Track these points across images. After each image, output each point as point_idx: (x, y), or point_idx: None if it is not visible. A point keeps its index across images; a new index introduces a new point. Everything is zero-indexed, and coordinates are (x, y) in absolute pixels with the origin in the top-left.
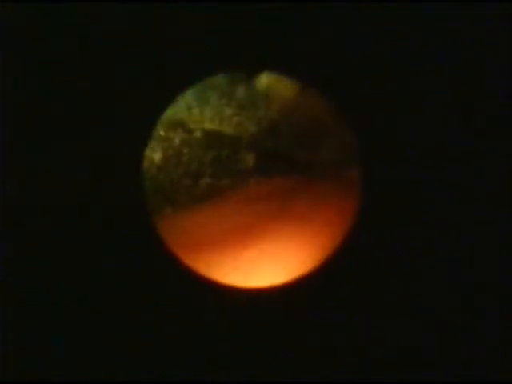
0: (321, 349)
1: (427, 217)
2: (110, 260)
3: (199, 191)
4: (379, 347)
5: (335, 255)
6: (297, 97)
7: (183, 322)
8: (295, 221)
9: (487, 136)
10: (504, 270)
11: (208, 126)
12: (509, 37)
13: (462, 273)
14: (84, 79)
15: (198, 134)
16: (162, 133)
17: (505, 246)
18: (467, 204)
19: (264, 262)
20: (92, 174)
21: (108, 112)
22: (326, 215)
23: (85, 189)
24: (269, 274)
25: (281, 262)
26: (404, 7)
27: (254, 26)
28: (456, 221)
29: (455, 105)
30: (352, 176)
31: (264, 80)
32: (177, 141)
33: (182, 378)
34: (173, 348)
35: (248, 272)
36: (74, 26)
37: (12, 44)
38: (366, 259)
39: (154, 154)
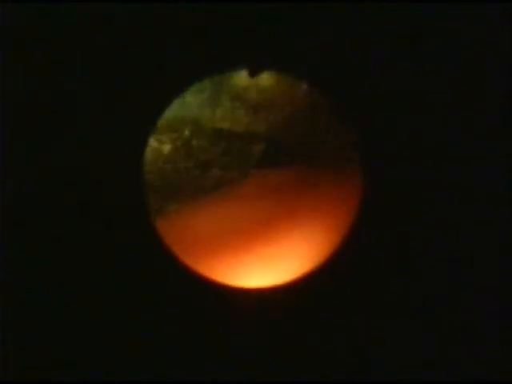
0: (321, 349)
1: (427, 217)
2: (110, 261)
3: (208, 182)
4: (379, 347)
5: (335, 255)
6: (299, 95)
7: (183, 322)
8: (297, 220)
9: (487, 136)
10: (504, 270)
11: (219, 124)
12: (509, 37)
13: (462, 273)
14: (84, 79)
15: (208, 128)
16: (170, 126)
17: (505, 246)
18: (467, 204)
19: (265, 261)
20: (92, 174)
21: (108, 112)
22: (326, 215)
23: (85, 189)
24: (270, 274)
25: (281, 262)
26: (404, 7)
27: (254, 26)
28: (456, 221)
29: (455, 105)
30: (353, 175)
31: (267, 79)
32: (187, 132)
33: (182, 378)
34: (173, 348)
35: (249, 271)
36: (74, 26)
37: (12, 44)
38: (367, 259)
39: (163, 146)
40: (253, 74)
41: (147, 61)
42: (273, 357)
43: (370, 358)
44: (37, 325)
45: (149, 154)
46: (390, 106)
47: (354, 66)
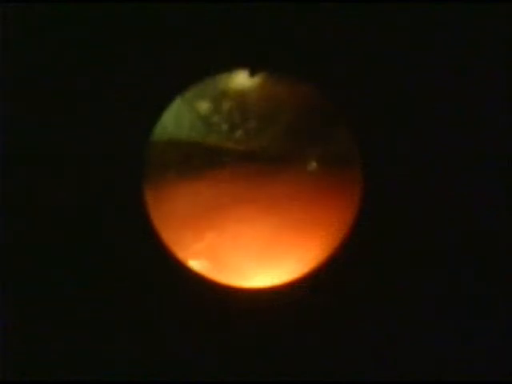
0: (320, 349)
1: (427, 216)
2: (110, 262)
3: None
4: (379, 347)
5: (335, 256)
6: (293, 95)
7: (183, 322)
8: (296, 220)
9: (487, 136)
10: (504, 270)
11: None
12: (509, 37)
13: (462, 272)
14: (84, 79)
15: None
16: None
17: (505, 247)
18: (467, 204)
19: (264, 262)
20: (92, 174)
21: (108, 112)
22: (326, 215)
23: (85, 189)
24: (269, 274)
25: (281, 262)
26: (404, 7)
27: (254, 26)
28: (456, 220)
29: (455, 104)
30: (353, 175)
31: (263, 81)
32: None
33: (182, 378)
34: (173, 348)
35: (249, 272)
36: (74, 26)
37: (12, 44)
38: (366, 259)
39: None
40: (252, 74)
41: (147, 61)
42: (272, 357)
43: (370, 357)
44: (36, 325)
45: None
46: (390, 106)
47: (354, 65)
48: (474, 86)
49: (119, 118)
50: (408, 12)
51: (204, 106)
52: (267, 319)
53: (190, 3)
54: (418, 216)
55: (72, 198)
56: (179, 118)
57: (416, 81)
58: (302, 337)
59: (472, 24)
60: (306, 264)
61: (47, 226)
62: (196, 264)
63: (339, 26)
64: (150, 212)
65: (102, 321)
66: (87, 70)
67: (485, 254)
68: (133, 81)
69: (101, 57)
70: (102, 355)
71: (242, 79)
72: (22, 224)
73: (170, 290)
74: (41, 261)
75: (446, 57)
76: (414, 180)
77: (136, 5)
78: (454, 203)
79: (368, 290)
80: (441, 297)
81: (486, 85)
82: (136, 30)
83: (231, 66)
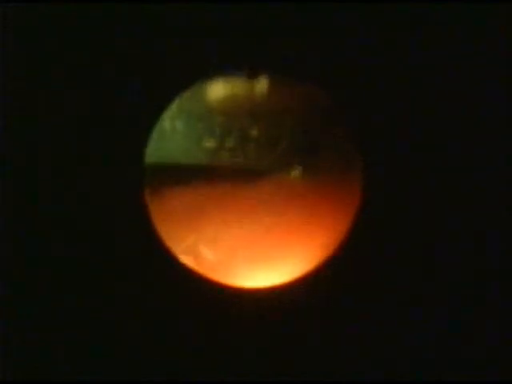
0: (319, 349)
1: (427, 219)
2: (110, 262)
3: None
4: (378, 348)
5: (334, 257)
6: (295, 97)
7: (183, 322)
8: (295, 221)
9: (488, 137)
10: (505, 271)
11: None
12: (509, 37)
13: (462, 273)
14: (84, 79)
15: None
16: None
17: (506, 247)
18: (468, 204)
19: (263, 262)
20: (92, 174)
21: (108, 112)
22: (325, 216)
23: (85, 189)
24: (268, 275)
25: (280, 263)
26: (404, 7)
27: (254, 26)
28: (456, 223)
29: (456, 105)
30: (353, 177)
31: (263, 84)
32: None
33: (182, 378)
34: (172, 348)
35: (248, 272)
36: (74, 27)
37: (12, 44)
38: (365, 261)
39: None
40: (252, 75)
41: (147, 61)
42: (272, 357)
43: (370, 357)
44: (36, 325)
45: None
46: (390, 106)
47: (355, 66)
48: (474, 86)
49: (119, 119)
50: (408, 12)
51: (199, 124)
52: (267, 319)
53: (189, 3)
54: (418, 216)
55: (72, 199)
56: (174, 132)
57: (416, 81)
58: (302, 337)
59: (472, 24)
60: (306, 264)
61: (47, 226)
62: (195, 264)
63: (340, 26)
64: (150, 212)
65: (102, 321)
66: (87, 69)
67: (485, 254)
68: (133, 81)
69: (101, 57)
70: (102, 355)
71: (241, 83)
72: (22, 224)
73: (170, 290)
74: (41, 261)
75: (446, 57)
76: (414, 180)
77: (136, 5)
78: (454, 203)
79: (368, 290)
80: (441, 297)
81: (486, 85)
82: (136, 29)
83: (231, 66)
